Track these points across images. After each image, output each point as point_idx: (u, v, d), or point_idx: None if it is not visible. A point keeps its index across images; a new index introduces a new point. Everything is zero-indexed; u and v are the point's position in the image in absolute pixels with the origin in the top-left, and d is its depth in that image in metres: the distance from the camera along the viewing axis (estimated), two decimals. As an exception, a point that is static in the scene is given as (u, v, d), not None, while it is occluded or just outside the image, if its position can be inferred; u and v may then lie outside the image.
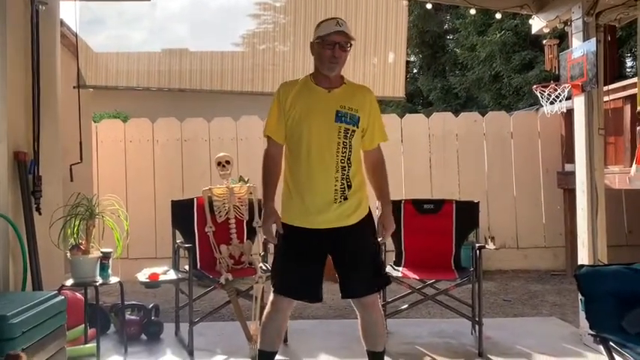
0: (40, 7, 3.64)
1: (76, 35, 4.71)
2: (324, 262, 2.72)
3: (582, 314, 2.98)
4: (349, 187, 2.66)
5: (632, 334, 2.35)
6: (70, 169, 4.23)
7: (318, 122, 2.66)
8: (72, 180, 4.21)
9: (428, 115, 6.92)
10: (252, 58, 5.74)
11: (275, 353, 2.78)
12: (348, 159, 2.66)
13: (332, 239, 2.69)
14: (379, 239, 2.87)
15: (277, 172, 2.78)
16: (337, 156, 2.64)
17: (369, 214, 2.76)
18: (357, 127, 2.68)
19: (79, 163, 4.32)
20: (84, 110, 4.69)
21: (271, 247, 3.16)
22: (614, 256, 3.83)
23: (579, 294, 2.58)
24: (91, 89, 5.86)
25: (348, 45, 2.67)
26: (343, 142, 2.65)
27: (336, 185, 2.64)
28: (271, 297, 2.74)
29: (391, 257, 4.08)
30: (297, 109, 2.68)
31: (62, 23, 4.40)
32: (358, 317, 2.77)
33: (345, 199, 2.65)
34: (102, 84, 5.53)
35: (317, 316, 4.60)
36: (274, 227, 2.76)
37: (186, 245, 3.83)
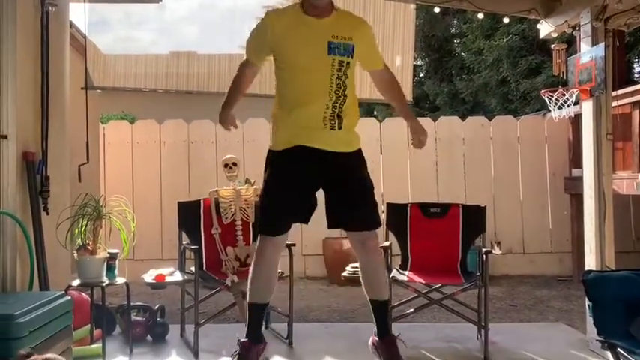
0: (50, 8, 3.66)
1: (84, 37, 4.73)
2: (316, 189, 2.59)
3: (590, 320, 2.96)
4: (339, 117, 2.53)
5: (640, 340, 2.34)
6: (79, 170, 4.25)
7: (310, 56, 2.51)
8: (80, 181, 4.22)
9: (435, 120, 6.91)
10: (260, 61, 5.75)
11: (267, 304, 2.69)
12: (344, 92, 2.52)
13: (325, 165, 2.55)
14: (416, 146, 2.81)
15: (244, 87, 2.74)
16: (331, 91, 2.51)
17: (361, 151, 2.67)
18: (352, 58, 2.53)
19: (85, 163, 4.34)
20: (91, 111, 4.71)
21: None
22: (622, 263, 3.80)
23: (587, 299, 2.57)
24: (99, 90, 5.89)
25: None
26: (337, 75, 2.50)
27: (326, 112, 2.51)
28: (257, 242, 2.62)
29: (397, 261, 4.07)
30: (287, 42, 2.55)
31: (71, 25, 4.42)
32: (359, 264, 2.66)
33: (340, 127, 2.54)
34: (110, 85, 5.55)
35: (321, 320, 4.59)
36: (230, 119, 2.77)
37: (193, 247, 3.83)
